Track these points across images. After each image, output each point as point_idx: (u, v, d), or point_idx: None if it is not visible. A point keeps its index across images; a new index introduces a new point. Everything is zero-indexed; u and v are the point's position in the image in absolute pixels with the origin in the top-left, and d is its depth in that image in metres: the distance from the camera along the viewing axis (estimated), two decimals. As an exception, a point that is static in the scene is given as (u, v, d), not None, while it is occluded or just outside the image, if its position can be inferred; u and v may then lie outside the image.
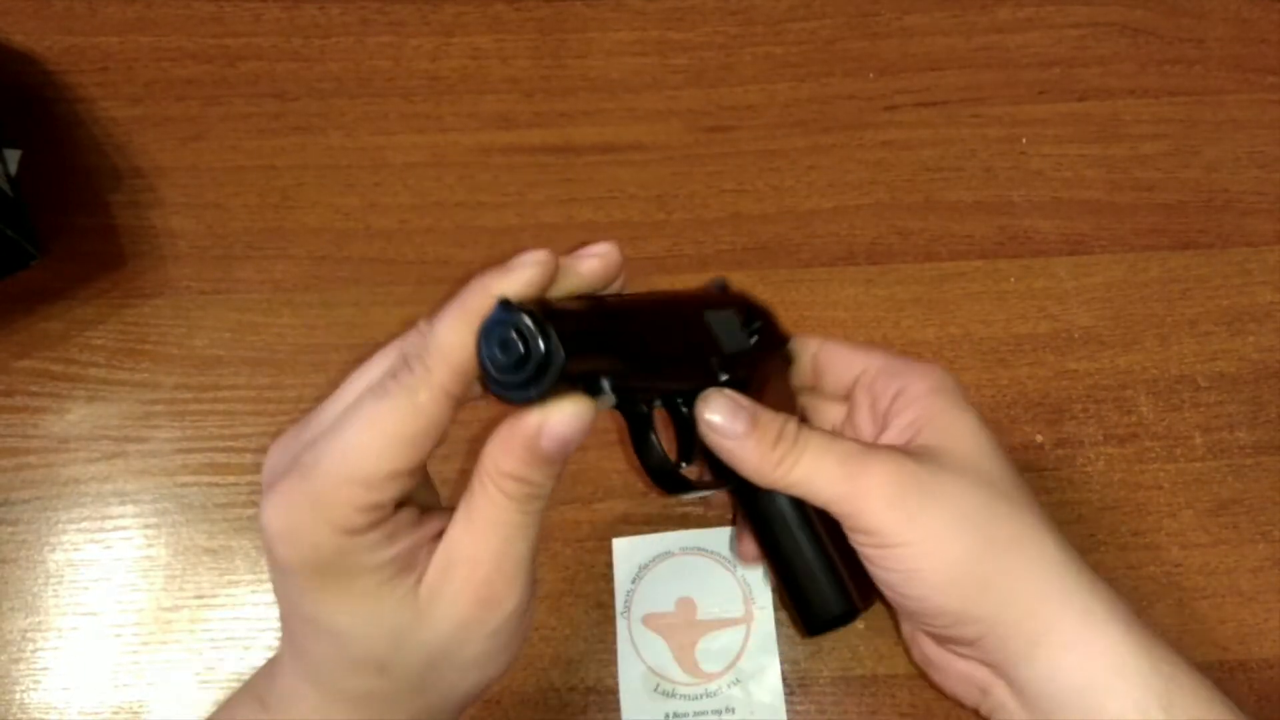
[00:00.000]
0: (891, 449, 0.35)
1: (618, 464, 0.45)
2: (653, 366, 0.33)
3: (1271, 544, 0.44)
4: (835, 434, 0.37)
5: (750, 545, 0.40)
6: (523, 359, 0.26)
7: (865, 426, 0.39)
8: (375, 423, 0.27)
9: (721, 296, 0.40)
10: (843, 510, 0.34)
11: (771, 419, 0.34)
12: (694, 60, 0.53)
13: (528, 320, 0.26)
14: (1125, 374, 0.47)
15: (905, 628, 0.39)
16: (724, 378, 0.36)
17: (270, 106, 0.52)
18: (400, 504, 0.28)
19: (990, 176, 0.51)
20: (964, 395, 0.38)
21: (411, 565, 0.28)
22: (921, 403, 0.37)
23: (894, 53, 0.53)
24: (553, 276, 0.28)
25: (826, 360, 0.41)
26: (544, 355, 0.26)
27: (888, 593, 0.35)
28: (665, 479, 0.36)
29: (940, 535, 0.33)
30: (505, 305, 0.26)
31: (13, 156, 0.49)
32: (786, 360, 0.41)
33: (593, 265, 0.30)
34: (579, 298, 0.30)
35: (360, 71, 0.52)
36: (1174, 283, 0.49)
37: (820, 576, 0.37)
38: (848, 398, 0.40)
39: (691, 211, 0.50)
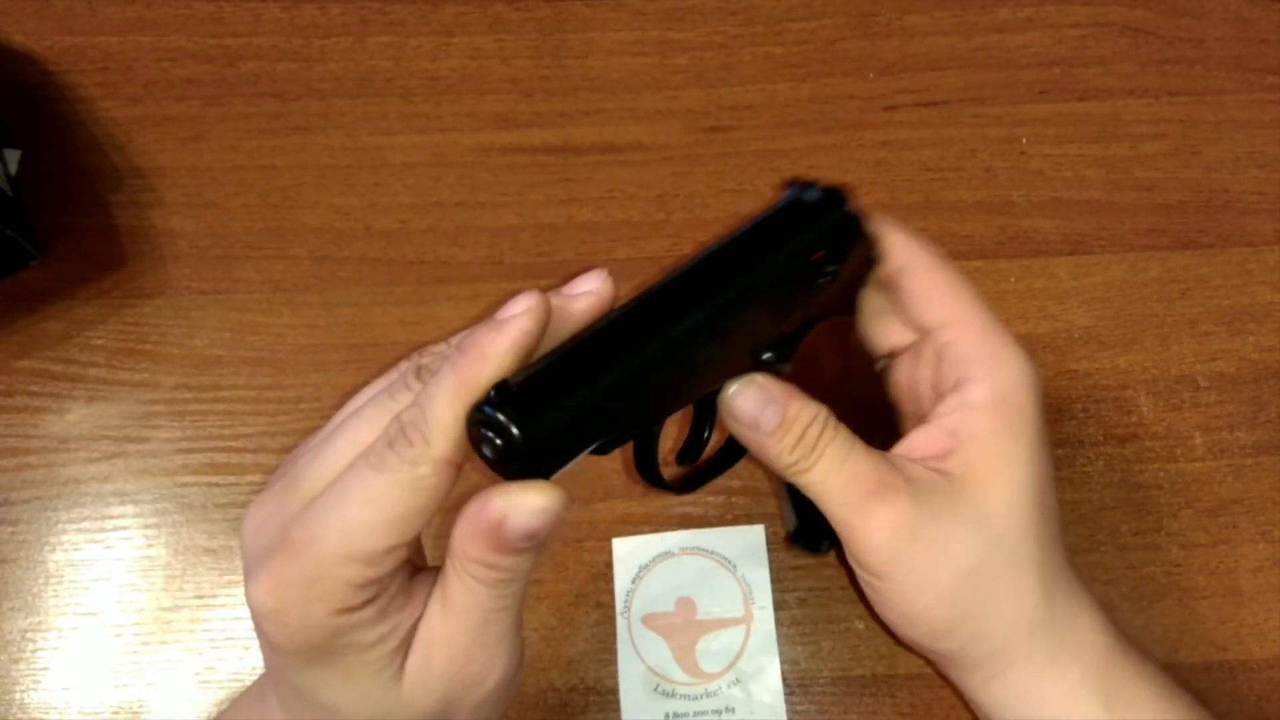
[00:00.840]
0: (903, 482, 0.33)
1: (617, 464, 0.45)
2: (655, 410, 0.31)
3: (1272, 544, 0.44)
4: (857, 445, 0.33)
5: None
6: (506, 454, 0.25)
7: (923, 388, 0.37)
8: (375, 500, 0.25)
9: (784, 228, 0.34)
10: (838, 530, 0.34)
11: (799, 415, 0.32)
12: (694, 60, 0.53)
13: (500, 417, 0.25)
14: (1125, 374, 0.47)
15: None
16: (767, 356, 0.34)
17: (270, 106, 0.52)
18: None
19: (990, 176, 0.51)
20: (1030, 411, 0.34)
21: (400, 642, 0.27)
22: (974, 416, 0.34)
23: (894, 53, 0.53)
24: (545, 323, 0.27)
25: (908, 288, 0.36)
26: (522, 448, 0.25)
27: (871, 603, 0.36)
28: (660, 485, 0.35)
29: (918, 587, 0.33)
30: (485, 404, 0.25)
31: (13, 156, 0.49)
32: (867, 264, 0.37)
33: (588, 304, 0.30)
34: (566, 347, 0.29)
35: (360, 71, 0.52)
36: (1174, 283, 0.49)
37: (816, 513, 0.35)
38: (920, 330, 0.37)
39: (691, 211, 0.50)
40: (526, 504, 0.25)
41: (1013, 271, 0.49)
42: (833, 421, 0.33)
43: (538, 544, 0.26)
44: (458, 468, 0.26)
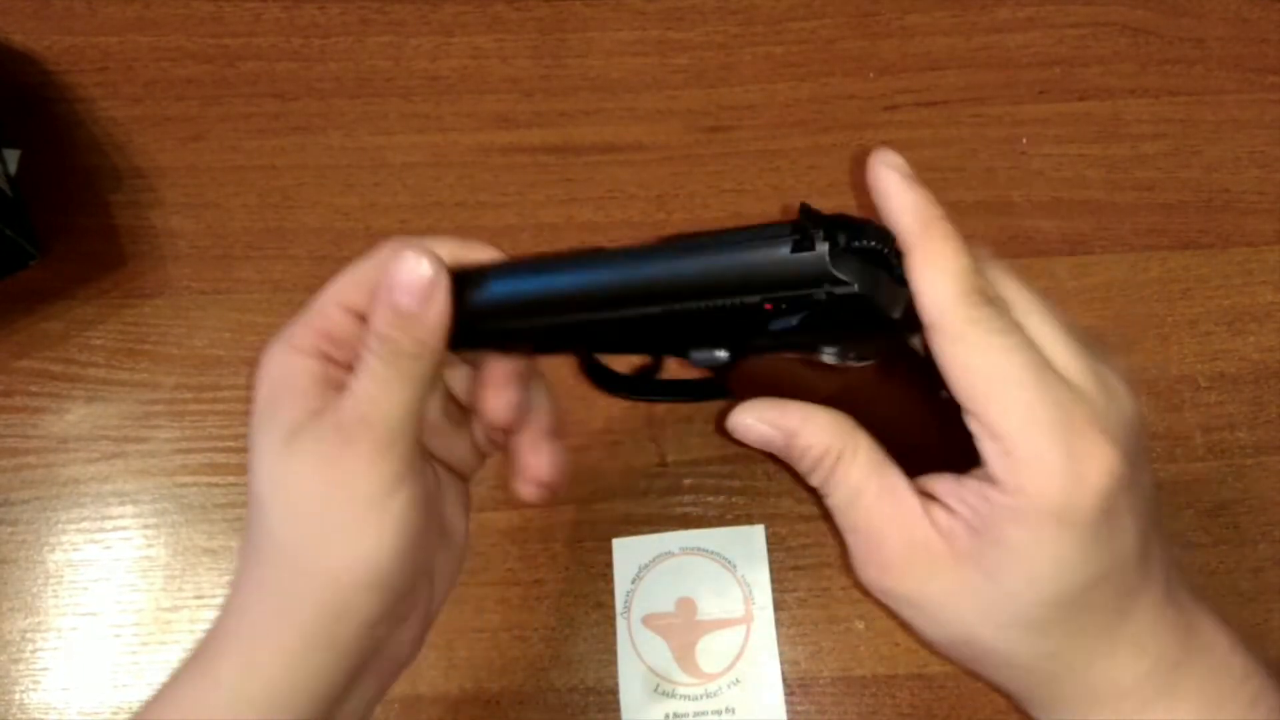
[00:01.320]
0: (954, 534, 0.29)
1: (618, 464, 0.45)
2: (581, 339, 0.31)
3: (1272, 544, 0.44)
4: (895, 489, 0.30)
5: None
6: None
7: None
8: (342, 273, 0.33)
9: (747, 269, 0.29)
10: (866, 569, 0.31)
11: (818, 444, 0.30)
12: (694, 60, 0.53)
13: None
14: (1125, 373, 0.47)
15: None
16: (697, 356, 0.31)
17: (270, 106, 0.52)
18: None
19: (991, 176, 0.51)
20: (1132, 469, 0.27)
21: (328, 406, 0.30)
22: (1018, 534, 0.27)
23: (894, 53, 0.53)
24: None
25: (946, 360, 0.28)
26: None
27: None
28: (605, 383, 0.34)
29: (1000, 604, 0.28)
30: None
31: (12, 156, 0.49)
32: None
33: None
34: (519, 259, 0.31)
35: (360, 71, 0.52)
36: (1174, 283, 0.49)
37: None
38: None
39: (691, 211, 0.50)
40: (405, 264, 0.30)
41: (1013, 271, 0.49)
42: (863, 453, 0.30)
43: (423, 311, 0.29)
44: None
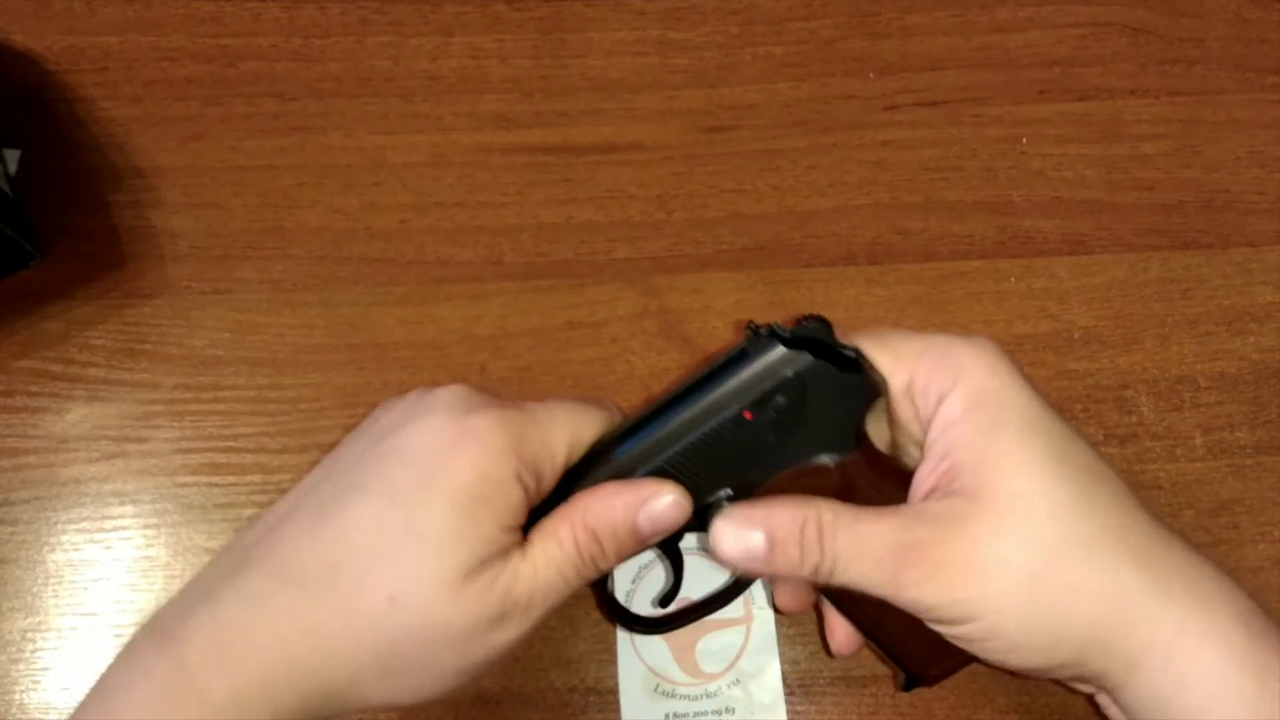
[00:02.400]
0: (926, 529, 0.31)
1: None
2: None
3: (1272, 544, 0.44)
4: (869, 518, 0.32)
5: (842, 635, 0.38)
6: None
7: (916, 453, 0.34)
8: (580, 408, 0.34)
9: (719, 391, 0.34)
10: (898, 601, 0.31)
11: (789, 524, 0.32)
12: (694, 60, 0.53)
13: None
14: (1125, 374, 0.47)
15: None
16: (716, 498, 0.34)
17: (270, 106, 0.52)
18: None
19: (990, 176, 0.51)
20: (1009, 392, 0.32)
21: (504, 545, 0.31)
22: (956, 429, 0.32)
23: (894, 53, 0.53)
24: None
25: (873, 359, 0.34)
26: None
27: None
28: (623, 620, 0.38)
29: (1001, 616, 0.30)
30: None
31: (12, 156, 0.49)
32: (861, 396, 0.35)
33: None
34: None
35: (360, 71, 0.52)
36: (1174, 283, 0.49)
37: (896, 645, 0.36)
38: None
39: (691, 211, 0.50)
40: (671, 491, 0.32)
41: (1013, 271, 0.49)
42: (827, 511, 0.32)
43: (649, 540, 0.33)
44: None
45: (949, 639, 0.32)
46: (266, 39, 0.53)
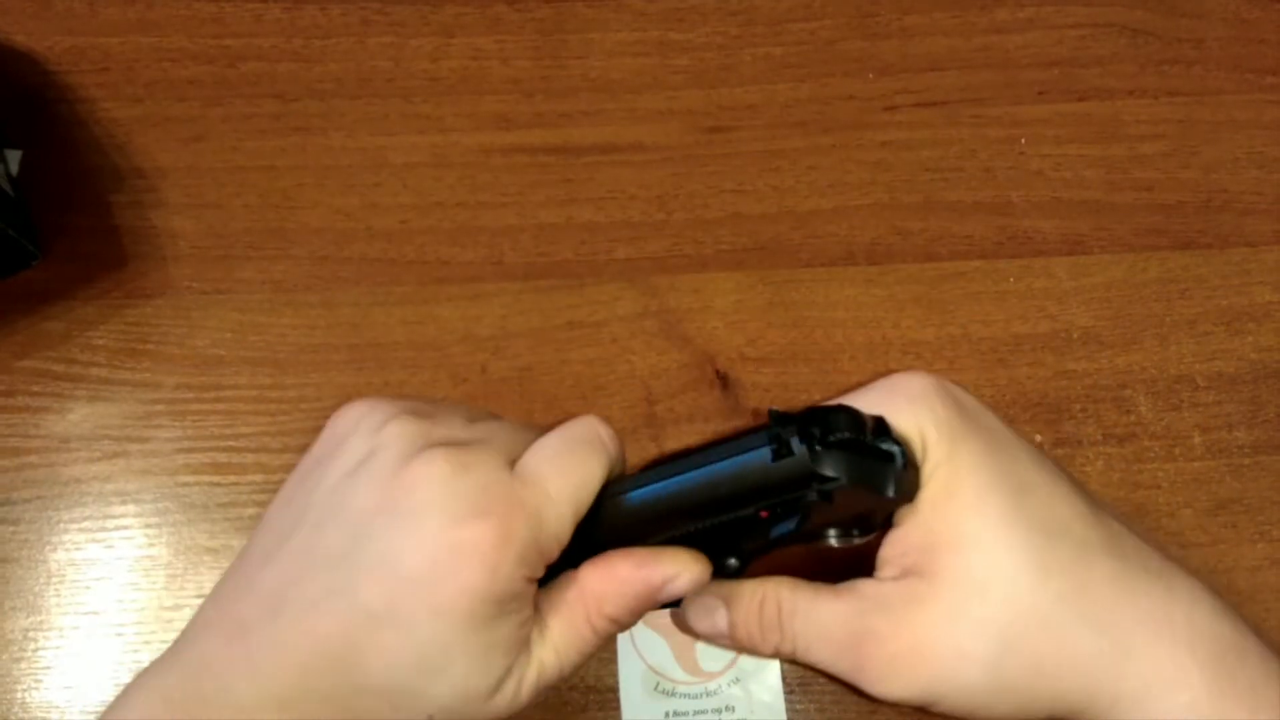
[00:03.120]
0: (883, 613, 0.31)
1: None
2: None
3: (1270, 543, 0.44)
4: (821, 603, 0.32)
5: None
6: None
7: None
8: (588, 471, 0.31)
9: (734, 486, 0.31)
10: (866, 691, 0.32)
11: (748, 603, 0.33)
12: (694, 61, 0.53)
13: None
14: (1124, 374, 0.47)
15: None
16: (733, 563, 0.34)
17: (271, 107, 0.52)
18: None
19: (990, 177, 0.51)
20: (962, 449, 0.31)
21: (520, 640, 0.30)
22: (914, 517, 0.32)
23: (894, 53, 0.54)
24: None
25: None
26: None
27: None
28: None
29: (964, 696, 0.30)
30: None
31: (14, 157, 0.49)
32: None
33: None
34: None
35: (361, 72, 0.53)
36: (1173, 283, 0.49)
37: None
38: None
39: (691, 211, 0.50)
40: (688, 572, 0.31)
41: (1012, 271, 0.49)
42: (786, 589, 0.32)
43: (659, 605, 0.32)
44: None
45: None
46: (268, 40, 0.53)
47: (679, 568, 0.31)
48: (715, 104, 0.52)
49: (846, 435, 0.29)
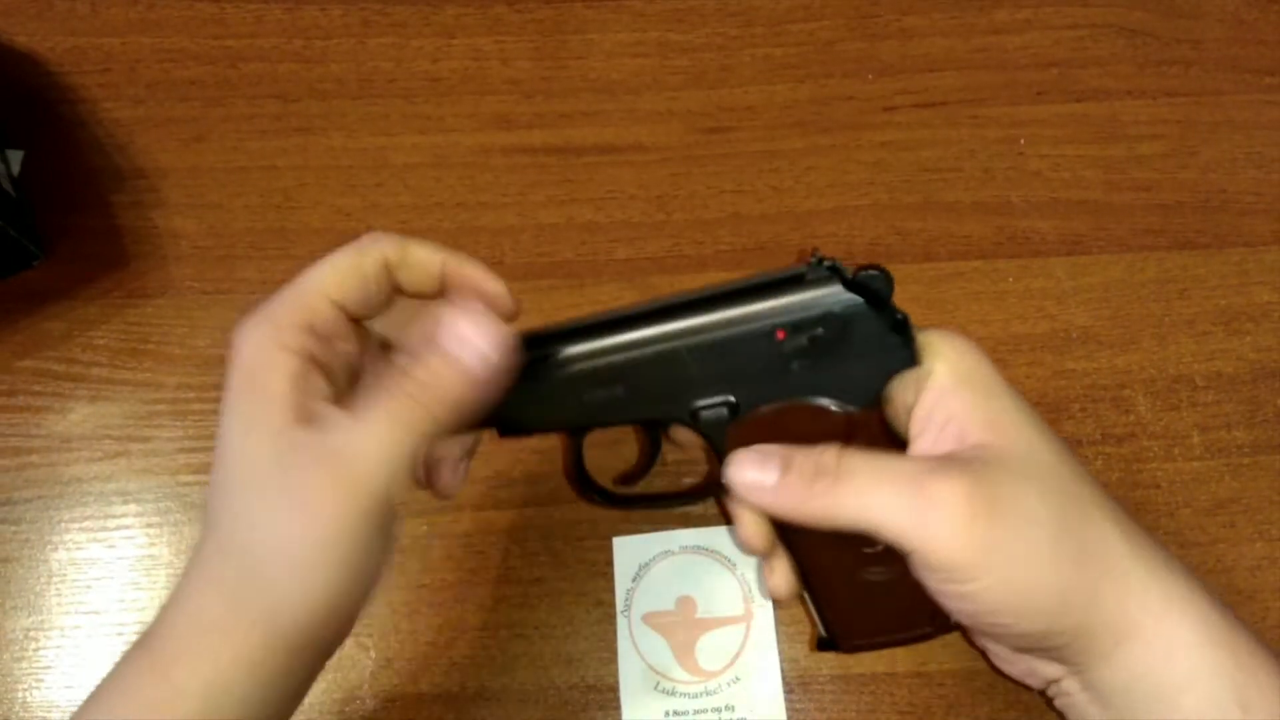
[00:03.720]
0: (953, 463, 0.31)
1: (618, 463, 0.45)
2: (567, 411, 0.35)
3: (1269, 543, 0.44)
4: (887, 453, 0.33)
5: (780, 578, 0.38)
6: None
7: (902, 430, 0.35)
8: (324, 262, 0.31)
9: (760, 295, 0.34)
10: (909, 547, 0.31)
11: (806, 455, 0.32)
12: (694, 61, 0.53)
13: None
14: (1123, 373, 0.47)
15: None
16: (702, 406, 0.34)
17: (272, 107, 0.52)
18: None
19: (989, 177, 0.51)
20: (996, 374, 0.34)
21: (304, 414, 0.28)
22: (952, 398, 0.33)
23: (893, 53, 0.54)
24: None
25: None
26: None
27: (957, 615, 0.33)
28: (591, 495, 0.38)
29: (1021, 566, 0.30)
30: None
31: (16, 157, 0.50)
32: (893, 360, 0.34)
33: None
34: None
35: (361, 73, 0.53)
36: (1171, 283, 0.49)
37: (837, 608, 0.37)
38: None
39: (691, 211, 0.50)
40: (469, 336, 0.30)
41: (1011, 271, 0.49)
42: (846, 448, 0.32)
43: (482, 382, 0.30)
44: (389, 266, 0.31)
45: (941, 596, 0.32)
46: (269, 40, 0.53)
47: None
48: (715, 104, 0.53)
49: (873, 274, 0.33)
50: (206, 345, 0.47)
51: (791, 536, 0.36)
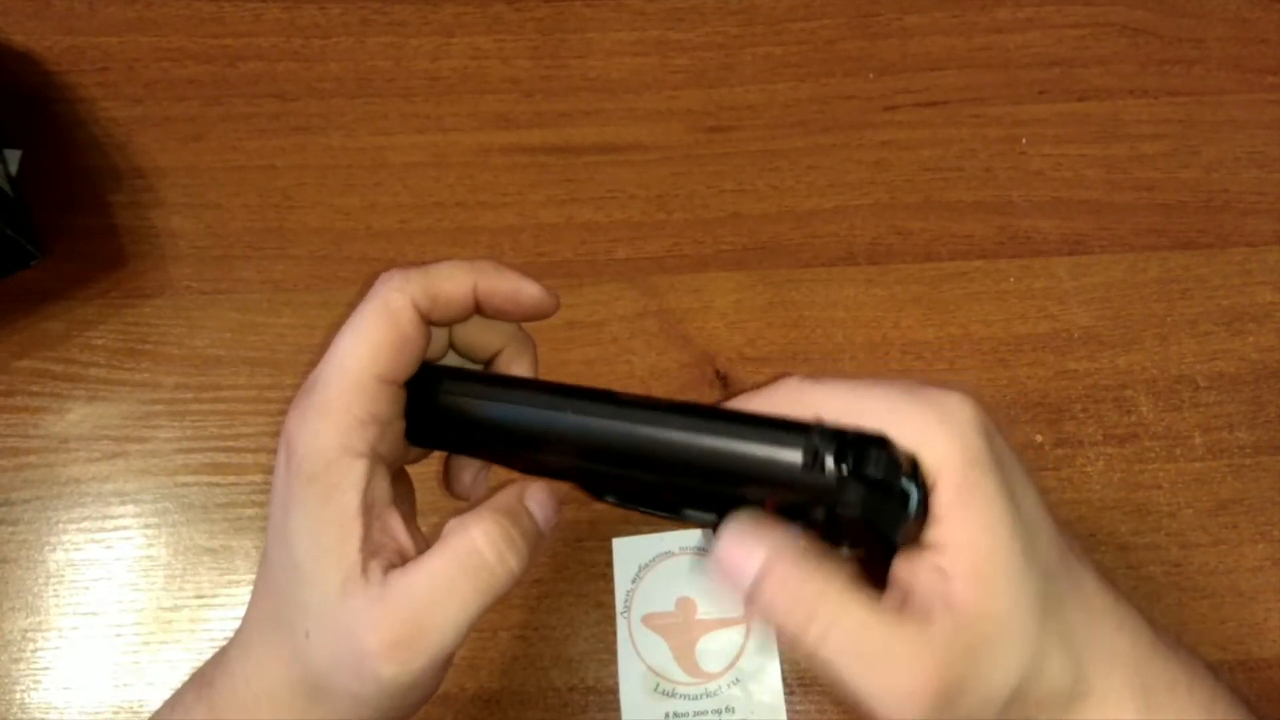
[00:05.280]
0: (929, 634, 0.28)
1: (618, 464, 0.45)
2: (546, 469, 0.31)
3: (1271, 543, 0.44)
4: (873, 607, 0.28)
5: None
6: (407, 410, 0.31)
7: None
8: (358, 330, 0.30)
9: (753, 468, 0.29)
10: (864, 702, 0.28)
11: (803, 593, 0.28)
12: (694, 60, 0.53)
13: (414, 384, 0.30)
14: (1125, 374, 0.47)
15: None
16: (689, 514, 0.30)
17: (270, 107, 0.52)
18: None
19: (990, 176, 0.51)
20: (992, 487, 0.29)
21: (373, 543, 0.28)
22: (946, 526, 0.28)
23: (894, 53, 0.54)
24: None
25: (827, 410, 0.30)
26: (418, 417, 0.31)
27: None
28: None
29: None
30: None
31: (13, 156, 0.49)
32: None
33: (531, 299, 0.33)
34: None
35: (360, 72, 0.53)
36: (1173, 283, 0.49)
37: None
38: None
39: (691, 211, 0.50)
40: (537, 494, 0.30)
41: (1012, 271, 0.49)
42: (834, 582, 0.28)
43: (542, 539, 0.30)
44: (425, 315, 0.30)
45: None
46: (267, 39, 0.53)
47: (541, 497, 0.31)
48: (715, 104, 0.52)
49: (879, 476, 0.28)
50: (205, 345, 0.47)
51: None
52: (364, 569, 0.28)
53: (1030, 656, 0.29)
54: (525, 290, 0.33)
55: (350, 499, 0.28)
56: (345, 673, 0.27)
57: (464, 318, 0.32)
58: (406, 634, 0.27)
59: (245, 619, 0.30)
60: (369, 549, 0.28)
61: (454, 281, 0.31)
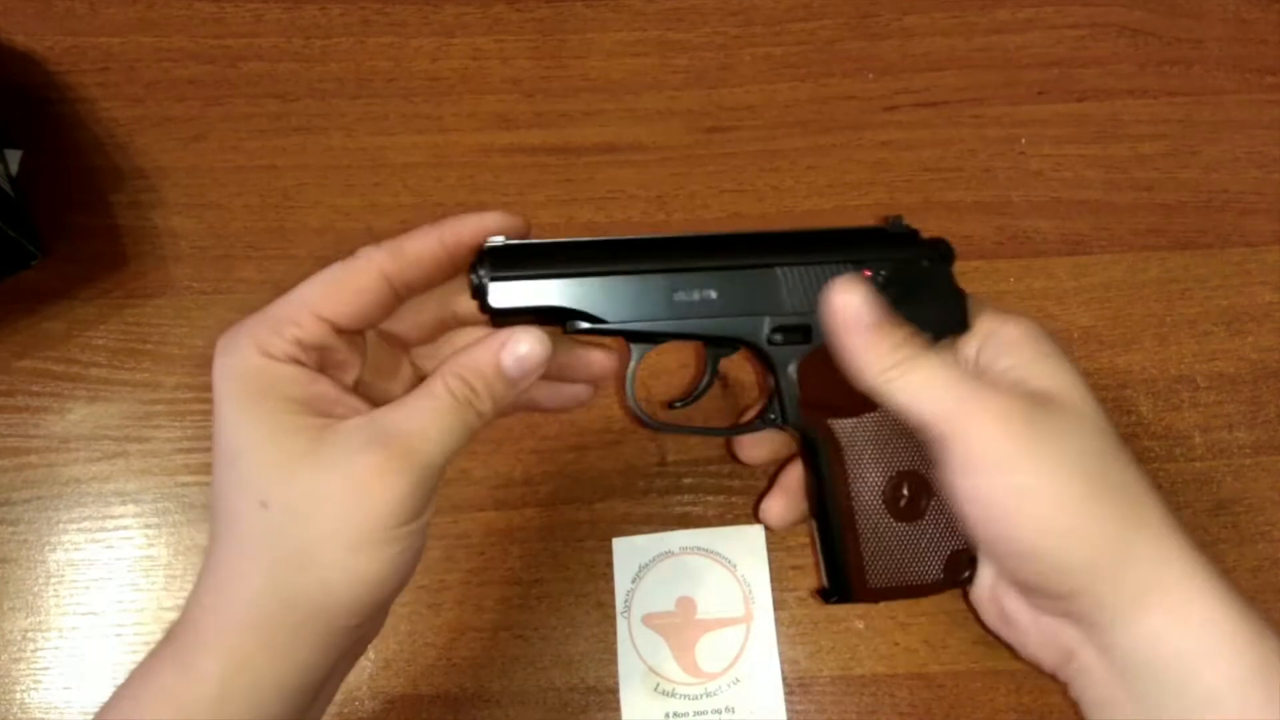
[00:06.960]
0: (1011, 388, 0.34)
1: (617, 464, 0.45)
2: (626, 310, 0.37)
3: (1271, 543, 0.44)
4: (954, 360, 0.36)
5: (778, 506, 0.41)
6: (474, 292, 0.36)
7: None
8: (314, 278, 0.32)
9: (853, 239, 0.39)
10: (949, 429, 0.33)
11: (900, 322, 0.35)
12: (694, 61, 0.53)
13: (477, 260, 0.36)
14: (1124, 374, 0.47)
15: (984, 584, 0.37)
16: (773, 333, 0.37)
17: (271, 107, 0.52)
18: (332, 373, 0.32)
19: (989, 177, 0.51)
20: (1059, 344, 0.36)
21: (322, 412, 0.30)
22: (1019, 349, 0.36)
23: (894, 53, 0.54)
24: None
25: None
26: (481, 293, 0.35)
27: (982, 532, 0.33)
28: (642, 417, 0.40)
29: (1053, 470, 0.32)
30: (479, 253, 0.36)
31: (14, 157, 0.49)
32: (947, 322, 0.38)
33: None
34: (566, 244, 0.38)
35: (361, 72, 0.53)
36: (1173, 283, 0.49)
37: (849, 555, 0.38)
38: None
39: (691, 211, 0.50)
40: (523, 339, 0.32)
41: (1012, 272, 0.49)
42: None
43: (522, 380, 0.33)
44: (388, 281, 0.33)
45: (965, 498, 0.33)
46: (268, 40, 0.53)
47: (519, 333, 0.33)
48: (715, 104, 0.52)
49: (943, 246, 0.39)
50: (205, 345, 0.47)
51: (830, 469, 0.38)
52: (324, 421, 0.30)
53: (1106, 450, 0.33)
54: (490, 220, 0.36)
55: (285, 384, 0.30)
56: (330, 514, 0.28)
57: (444, 273, 0.35)
58: (387, 453, 0.29)
59: (203, 566, 0.31)
60: (320, 410, 0.30)
61: (421, 241, 0.34)
